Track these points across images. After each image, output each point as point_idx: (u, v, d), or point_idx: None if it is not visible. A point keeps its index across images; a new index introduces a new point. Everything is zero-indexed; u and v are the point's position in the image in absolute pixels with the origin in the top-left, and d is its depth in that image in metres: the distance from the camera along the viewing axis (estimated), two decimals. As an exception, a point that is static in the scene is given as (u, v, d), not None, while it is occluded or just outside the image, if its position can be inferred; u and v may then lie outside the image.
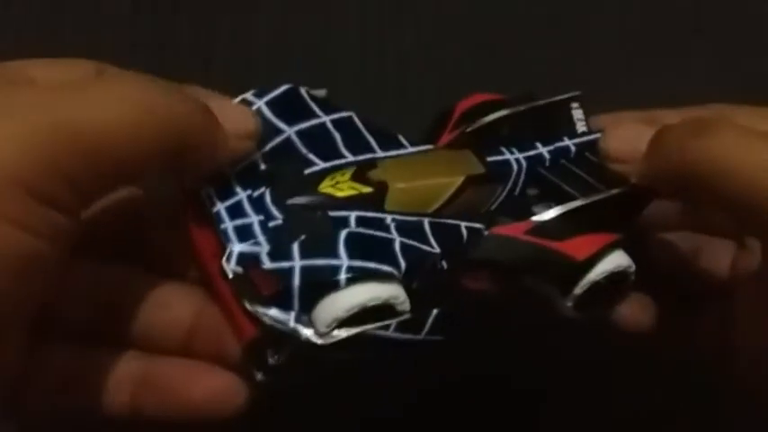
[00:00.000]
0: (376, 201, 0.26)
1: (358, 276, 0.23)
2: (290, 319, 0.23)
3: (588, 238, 0.27)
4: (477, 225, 0.27)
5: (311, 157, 0.27)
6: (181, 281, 0.26)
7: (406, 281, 0.24)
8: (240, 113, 0.24)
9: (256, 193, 0.25)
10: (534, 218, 0.27)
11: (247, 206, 0.25)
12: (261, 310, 0.23)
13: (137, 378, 0.24)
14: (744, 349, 0.27)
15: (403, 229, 0.25)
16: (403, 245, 0.24)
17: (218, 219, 0.24)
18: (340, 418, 0.36)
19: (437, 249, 0.25)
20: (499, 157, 0.29)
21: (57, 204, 0.19)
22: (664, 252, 0.31)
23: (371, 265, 0.23)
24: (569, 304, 0.27)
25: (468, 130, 0.29)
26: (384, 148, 0.28)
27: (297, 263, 0.23)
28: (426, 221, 0.26)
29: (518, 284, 0.27)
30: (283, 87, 0.27)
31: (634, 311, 0.29)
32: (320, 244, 0.24)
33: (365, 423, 0.37)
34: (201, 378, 0.24)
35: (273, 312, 0.23)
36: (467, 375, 0.37)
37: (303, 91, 0.27)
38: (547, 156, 0.29)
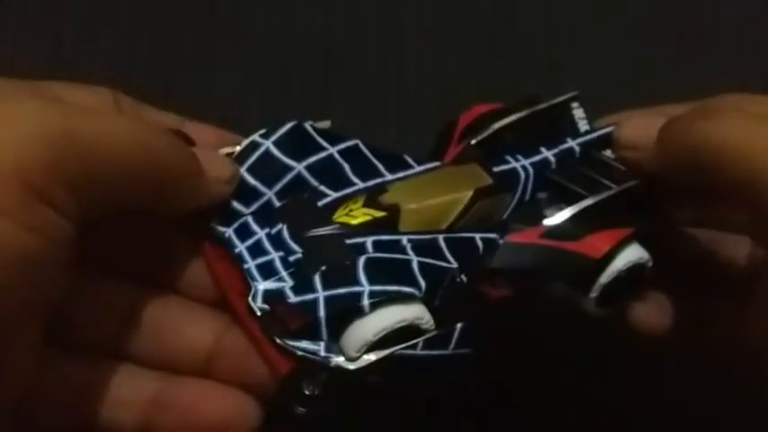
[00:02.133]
0: (390, 224, 0.26)
1: (381, 300, 0.24)
2: (320, 349, 0.24)
3: (603, 234, 0.28)
4: (492, 235, 0.27)
5: (323, 188, 0.27)
6: (203, 304, 0.27)
7: (427, 298, 0.25)
8: (221, 161, 0.26)
9: (274, 231, 0.26)
10: (546, 221, 0.28)
11: (267, 244, 0.26)
12: (291, 343, 0.24)
13: (151, 396, 0.25)
14: (761, 339, 0.27)
15: (419, 248, 0.26)
16: (421, 264, 0.25)
17: (240, 259, 0.25)
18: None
19: (454, 264, 0.26)
20: (505, 167, 0.29)
21: (55, 206, 0.19)
22: (683, 244, 0.31)
23: (393, 287, 0.24)
24: (592, 302, 0.28)
25: (474, 141, 0.30)
26: (392, 170, 0.28)
27: (320, 294, 0.24)
28: (441, 238, 0.27)
29: (538, 288, 0.28)
30: (289, 125, 0.28)
31: (651, 313, 0.29)
32: (340, 273, 0.24)
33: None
34: (217, 398, 0.25)
35: (304, 344, 0.24)
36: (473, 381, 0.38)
37: (308, 126, 0.28)
38: (552, 159, 0.30)
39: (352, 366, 0.23)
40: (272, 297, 0.25)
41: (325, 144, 0.28)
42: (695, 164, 0.25)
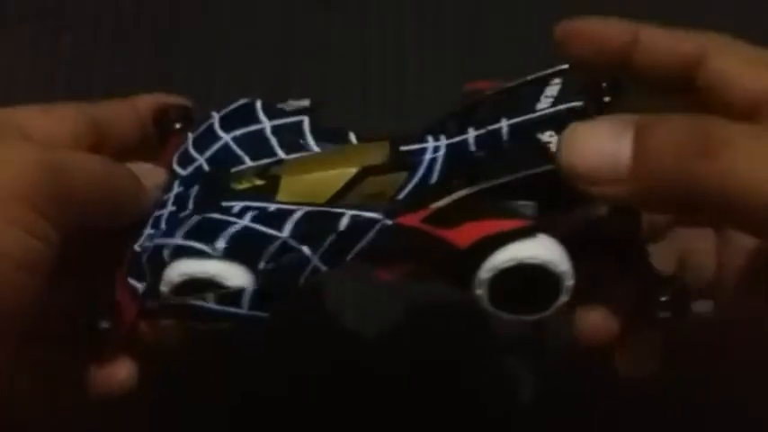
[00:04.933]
0: (268, 192, 0.27)
1: (176, 254, 0.25)
2: (141, 287, 0.27)
3: (480, 224, 0.25)
4: (369, 214, 0.26)
5: (245, 158, 0.29)
6: None
7: (230, 258, 0.25)
8: (152, 171, 0.29)
9: (189, 191, 0.28)
10: (434, 204, 0.26)
11: (171, 200, 0.28)
12: (130, 280, 0.27)
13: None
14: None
15: (266, 216, 0.26)
16: (242, 228, 0.26)
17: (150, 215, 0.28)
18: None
19: (283, 235, 0.26)
20: (415, 146, 0.27)
21: (49, 219, 0.23)
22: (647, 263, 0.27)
23: (190, 244, 0.25)
24: (483, 300, 0.25)
25: (450, 112, 0.28)
26: (323, 144, 0.29)
27: (152, 243, 0.27)
28: (303, 210, 0.26)
29: (426, 276, 0.27)
30: (240, 102, 0.30)
31: (596, 324, 0.26)
32: (173, 227, 0.26)
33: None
34: None
35: (134, 282, 0.27)
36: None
37: (258, 103, 0.29)
38: (471, 140, 0.27)
39: (157, 304, 0.26)
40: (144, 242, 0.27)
41: (263, 119, 0.29)
42: (693, 203, 0.21)
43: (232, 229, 0.26)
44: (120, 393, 0.27)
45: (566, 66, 0.27)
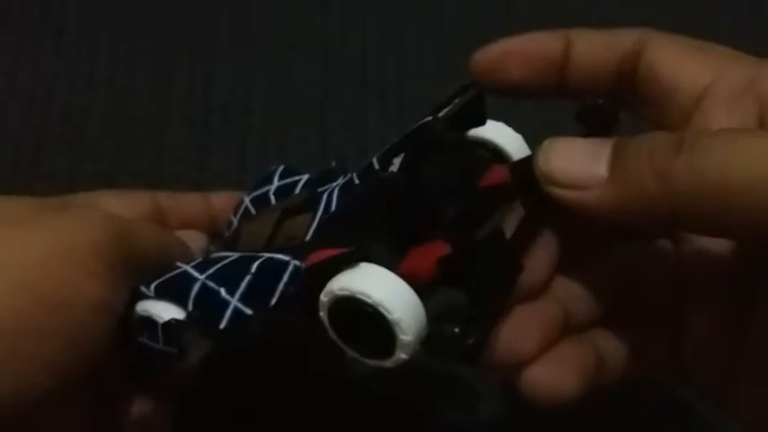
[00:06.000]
0: (233, 243, 0.30)
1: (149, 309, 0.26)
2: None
3: (324, 251, 0.24)
4: (283, 257, 0.25)
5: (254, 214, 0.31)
6: None
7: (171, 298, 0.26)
8: (195, 237, 0.32)
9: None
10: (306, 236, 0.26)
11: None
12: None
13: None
14: (701, 368, 0.25)
15: (223, 270, 0.26)
16: (179, 273, 0.27)
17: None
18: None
19: (201, 277, 0.26)
20: (319, 188, 0.28)
21: (118, 275, 0.25)
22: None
23: (165, 300, 0.26)
24: (326, 324, 0.23)
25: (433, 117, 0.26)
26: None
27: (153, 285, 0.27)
28: (234, 256, 0.27)
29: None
30: (279, 169, 0.31)
31: (549, 375, 0.23)
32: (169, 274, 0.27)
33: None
34: None
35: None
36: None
37: (280, 169, 0.31)
38: (355, 177, 0.27)
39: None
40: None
41: (274, 181, 0.31)
42: (674, 210, 0.20)
43: (170, 274, 0.27)
44: None
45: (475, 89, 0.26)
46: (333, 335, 0.23)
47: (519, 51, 0.25)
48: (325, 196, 0.27)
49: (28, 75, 0.44)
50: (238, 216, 0.31)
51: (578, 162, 0.22)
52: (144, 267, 0.27)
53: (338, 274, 0.22)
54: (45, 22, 0.46)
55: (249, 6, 0.47)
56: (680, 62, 0.25)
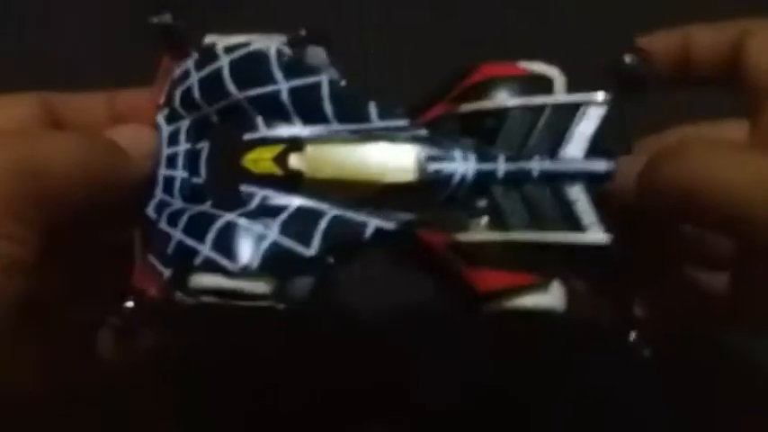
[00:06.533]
0: (287, 186, 0.27)
1: (209, 266, 0.25)
2: (165, 273, 0.26)
3: (498, 273, 0.26)
4: (389, 225, 0.26)
5: (258, 120, 0.27)
6: None
7: (274, 273, 0.26)
8: (137, 138, 0.27)
9: (197, 147, 0.28)
10: (459, 235, 0.26)
11: (181, 158, 0.27)
12: (156, 262, 0.26)
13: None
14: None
15: (292, 222, 0.26)
16: (272, 245, 0.26)
17: (158, 162, 0.28)
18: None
19: (311, 252, 0.26)
20: (443, 166, 0.27)
21: (21, 220, 0.23)
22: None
23: (219, 260, 0.25)
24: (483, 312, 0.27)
25: (462, 111, 0.27)
26: (341, 119, 0.27)
27: (177, 234, 0.26)
28: (329, 215, 0.26)
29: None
30: (252, 48, 0.28)
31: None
32: (198, 224, 0.26)
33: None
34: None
35: (160, 269, 0.26)
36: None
37: (272, 55, 0.28)
38: (502, 173, 0.27)
39: (188, 300, 0.26)
40: (159, 210, 0.27)
41: (280, 77, 0.27)
42: (675, 207, 0.25)
43: (261, 247, 0.26)
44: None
45: (600, 96, 0.27)
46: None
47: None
48: (453, 184, 0.27)
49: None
50: (219, 105, 0.28)
51: (623, 172, 0.26)
52: (70, 199, 0.24)
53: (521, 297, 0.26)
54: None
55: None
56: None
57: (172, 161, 0.28)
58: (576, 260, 0.26)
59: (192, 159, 0.28)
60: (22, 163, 0.23)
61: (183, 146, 0.28)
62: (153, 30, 0.28)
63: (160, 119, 0.28)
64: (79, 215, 0.25)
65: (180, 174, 0.28)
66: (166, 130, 0.28)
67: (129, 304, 0.27)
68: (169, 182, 0.27)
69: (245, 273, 0.25)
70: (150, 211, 0.27)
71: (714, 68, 0.28)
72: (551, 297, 0.26)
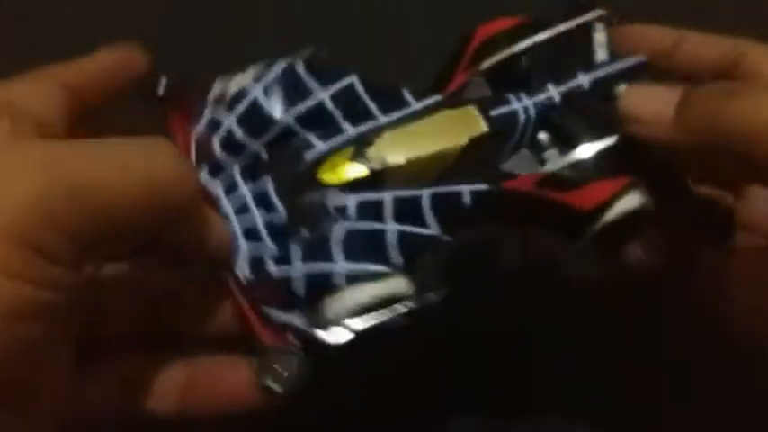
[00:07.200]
0: (375, 182, 0.26)
1: (355, 278, 0.24)
2: (298, 321, 0.24)
3: (597, 185, 0.26)
4: (482, 186, 0.27)
5: (311, 137, 0.27)
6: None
7: (406, 270, 0.25)
8: (224, 233, 0.26)
9: (259, 187, 0.26)
10: (544, 167, 0.27)
11: (250, 201, 0.26)
12: (276, 314, 0.25)
13: (183, 381, 0.26)
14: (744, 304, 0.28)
15: (400, 211, 0.26)
16: (400, 235, 0.25)
17: (228, 218, 0.26)
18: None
19: (433, 230, 0.26)
20: (505, 109, 0.28)
21: (56, 258, 0.19)
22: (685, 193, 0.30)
23: (367, 267, 0.24)
24: (585, 247, 0.27)
25: (483, 67, 0.28)
26: (386, 111, 0.27)
27: (298, 267, 0.25)
28: (426, 195, 0.26)
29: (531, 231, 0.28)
30: (279, 68, 0.27)
31: (645, 251, 0.28)
32: (318, 245, 0.25)
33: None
34: (243, 370, 0.25)
35: (284, 316, 0.25)
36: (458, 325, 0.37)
37: (300, 67, 0.27)
38: (557, 98, 0.28)
39: (332, 340, 0.24)
40: (256, 264, 0.25)
41: (315, 87, 0.27)
42: (722, 146, 0.24)
43: (391, 240, 0.25)
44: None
45: (602, 12, 0.29)
46: (587, 251, 0.27)
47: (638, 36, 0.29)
48: (521, 124, 0.28)
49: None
50: (267, 137, 0.27)
51: (649, 104, 0.26)
52: (116, 219, 0.20)
53: (617, 203, 0.26)
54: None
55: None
56: None
57: (243, 209, 0.26)
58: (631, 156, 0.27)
59: (262, 199, 0.26)
60: (52, 182, 0.19)
61: (243, 190, 0.27)
62: (160, 98, 0.28)
63: (205, 176, 0.27)
64: (131, 240, 0.22)
65: (257, 215, 0.26)
66: (218, 183, 0.27)
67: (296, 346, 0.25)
68: (251, 229, 0.26)
69: (396, 270, 0.25)
70: (242, 270, 0.25)
71: (698, 73, 0.29)
72: (646, 195, 0.27)
